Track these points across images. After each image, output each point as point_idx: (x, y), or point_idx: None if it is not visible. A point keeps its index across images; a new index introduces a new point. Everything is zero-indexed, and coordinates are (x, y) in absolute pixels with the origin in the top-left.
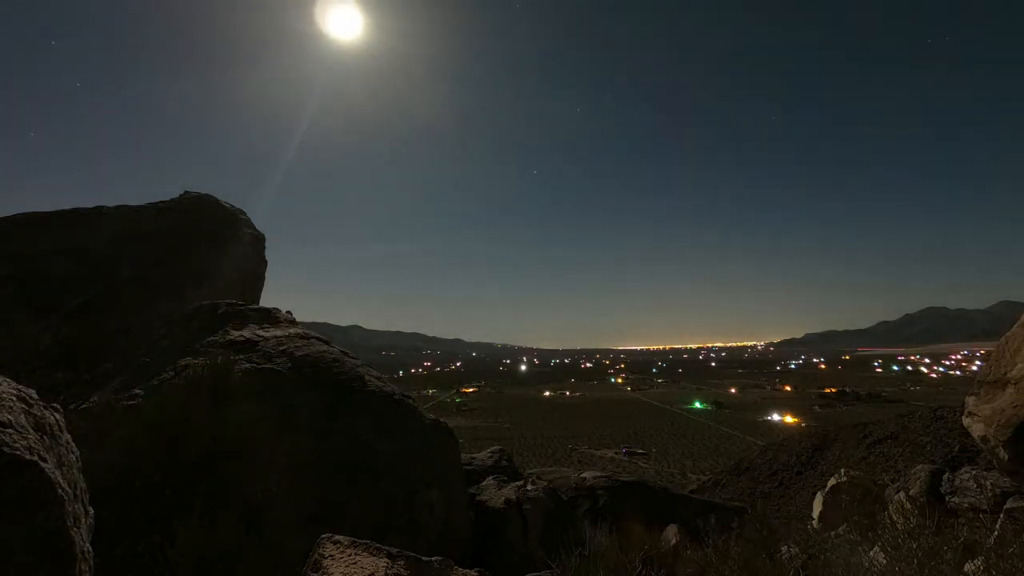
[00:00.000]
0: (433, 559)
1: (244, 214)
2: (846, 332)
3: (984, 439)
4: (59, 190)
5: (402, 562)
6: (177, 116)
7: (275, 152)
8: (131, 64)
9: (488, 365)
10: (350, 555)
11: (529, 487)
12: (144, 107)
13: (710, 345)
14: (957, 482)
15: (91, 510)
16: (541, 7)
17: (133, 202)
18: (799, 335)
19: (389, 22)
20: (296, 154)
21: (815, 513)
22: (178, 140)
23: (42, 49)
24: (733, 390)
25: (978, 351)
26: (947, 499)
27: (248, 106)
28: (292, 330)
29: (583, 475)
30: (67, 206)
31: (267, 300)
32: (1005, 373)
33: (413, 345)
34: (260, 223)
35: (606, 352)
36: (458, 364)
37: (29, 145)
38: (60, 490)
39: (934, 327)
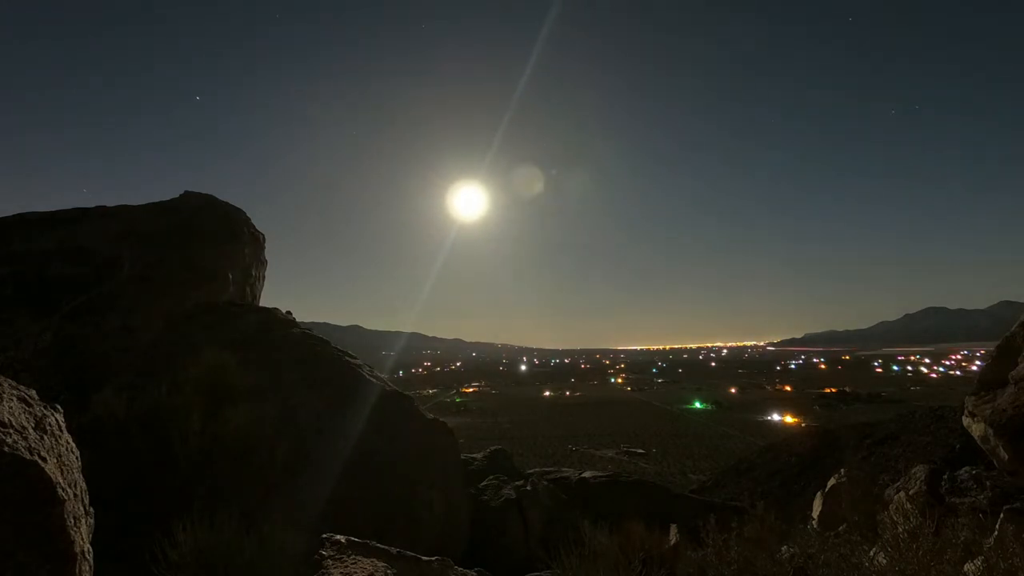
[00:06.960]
0: (433, 559)
1: (244, 214)
2: (846, 332)
3: (984, 439)
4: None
5: (401, 562)
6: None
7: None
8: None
9: (488, 365)
10: (350, 555)
11: (529, 487)
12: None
13: (710, 345)
14: (957, 482)
15: (91, 510)
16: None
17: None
18: (799, 335)
19: (507, 199)
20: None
21: (815, 513)
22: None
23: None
24: (733, 390)
25: (978, 351)
26: (947, 499)
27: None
28: (292, 330)
29: (583, 475)
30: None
31: (267, 300)
32: (1005, 373)
33: (413, 345)
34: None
35: (606, 352)
36: (458, 364)
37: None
38: (60, 490)
39: (934, 327)
